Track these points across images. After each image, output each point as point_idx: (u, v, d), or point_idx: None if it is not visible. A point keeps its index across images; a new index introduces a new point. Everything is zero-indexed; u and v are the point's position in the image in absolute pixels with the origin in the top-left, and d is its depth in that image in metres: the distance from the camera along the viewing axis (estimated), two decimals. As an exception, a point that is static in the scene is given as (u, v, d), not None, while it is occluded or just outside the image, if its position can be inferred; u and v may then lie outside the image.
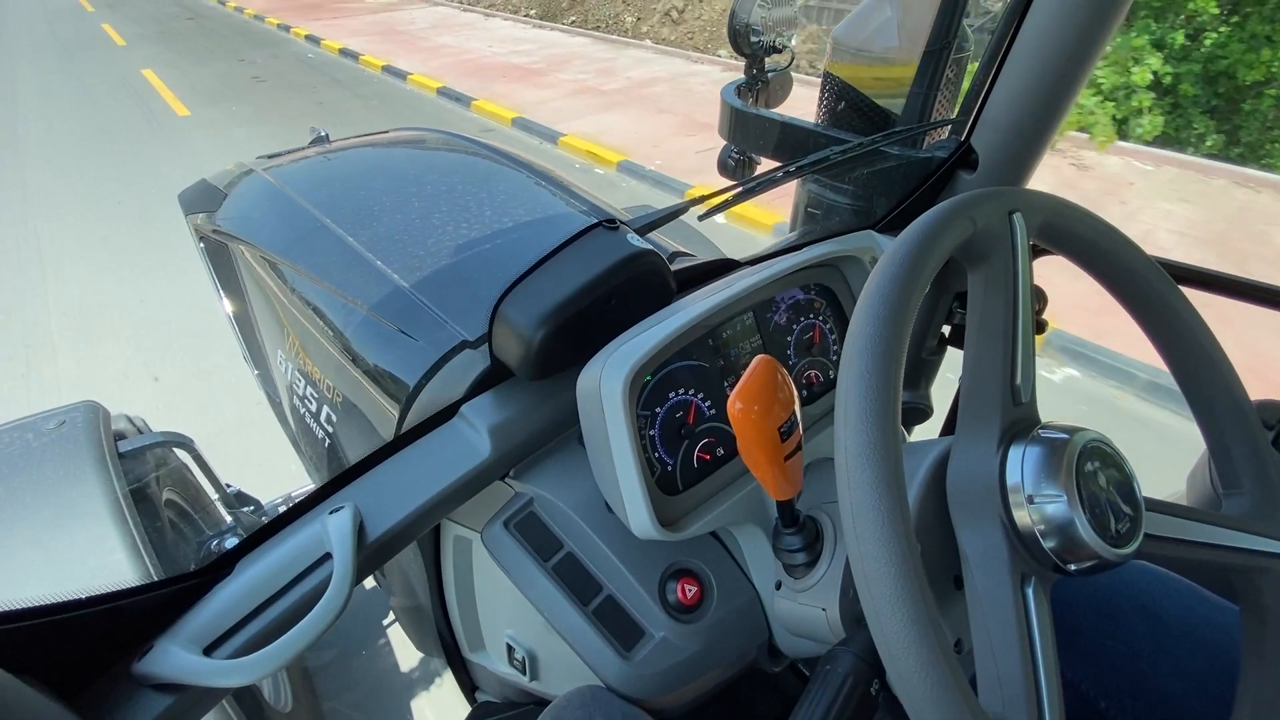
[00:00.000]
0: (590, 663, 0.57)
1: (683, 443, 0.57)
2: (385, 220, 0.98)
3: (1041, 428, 0.40)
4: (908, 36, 1.08)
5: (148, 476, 1.43)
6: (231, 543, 1.63)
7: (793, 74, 1.43)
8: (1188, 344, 0.47)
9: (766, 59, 1.31)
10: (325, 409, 0.91)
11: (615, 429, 0.50)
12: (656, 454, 0.56)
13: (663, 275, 0.64)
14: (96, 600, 0.44)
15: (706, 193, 0.79)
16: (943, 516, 0.42)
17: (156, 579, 1.07)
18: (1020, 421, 0.41)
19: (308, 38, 9.04)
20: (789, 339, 0.65)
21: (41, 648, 0.41)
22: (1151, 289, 0.47)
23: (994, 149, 0.86)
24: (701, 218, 0.76)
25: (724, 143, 1.39)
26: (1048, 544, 0.37)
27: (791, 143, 1.19)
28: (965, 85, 1.14)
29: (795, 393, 0.41)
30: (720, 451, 0.60)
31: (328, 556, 0.51)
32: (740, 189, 0.77)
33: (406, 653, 1.72)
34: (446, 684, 1.63)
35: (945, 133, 1.10)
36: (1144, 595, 0.63)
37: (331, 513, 0.53)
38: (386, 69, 7.41)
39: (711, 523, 0.54)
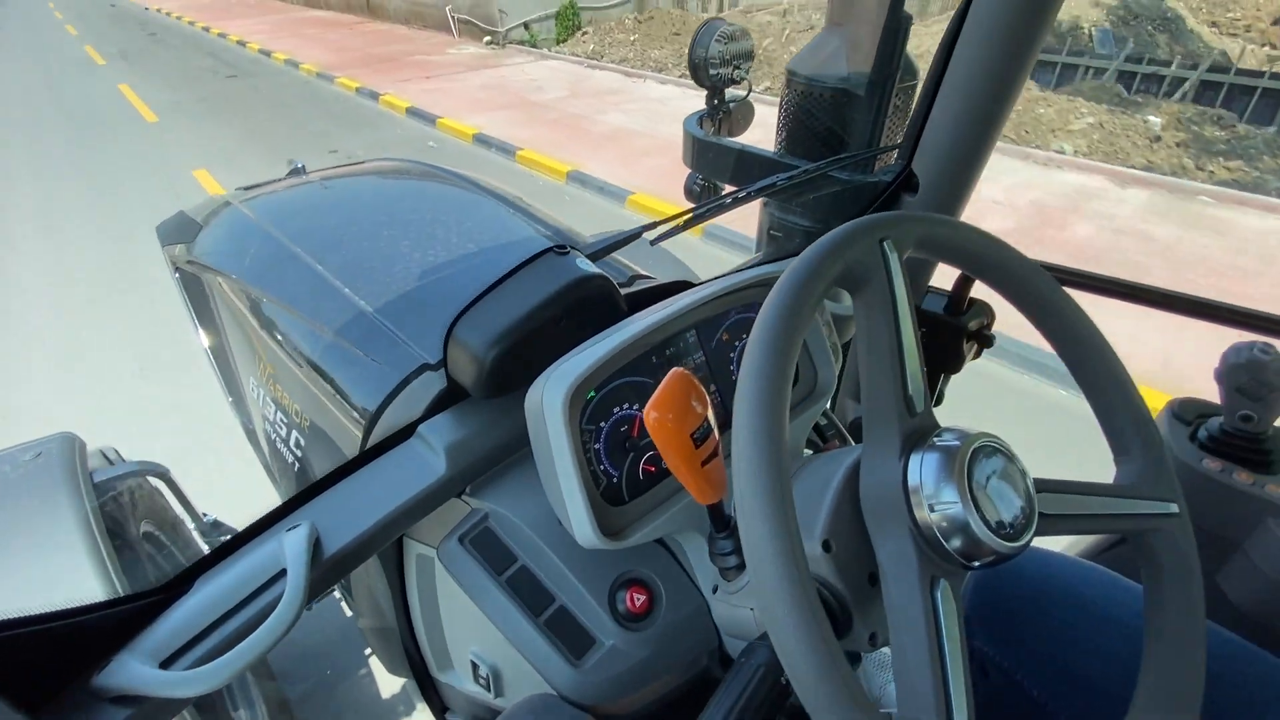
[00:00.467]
0: (542, 672, 0.59)
1: (627, 455, 0.60)
2: (353, 247, 1.01)
3: (938, 434, 0.43)
4: (855, 67, 1.14)
5: (123, 507, 1.43)
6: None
7: (753, 102, 1.49)
8: (1071, 331, 0.51)
9: (726, 90, 1.37)
10: (294, 433, 0.93)
11: (558, 442, 0.52)
12: (602, 466, 0.59)
13: (612, 297, 0.67)
14: (58, 615, 0.46)
15: (660, 218, 0.83)
16: (859, 522, 0.45)
17: None
18: (918, 430, 0.44)
19: (411, 112, 6.49)
20: (731, 355, 0.69)
21: (2, 662, 0.43)
22: (1029, 283, 0.51)
23: (932, 172, 0.91)
24: (653, 242, 0.80)
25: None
26: (951, 544, 0.40)
27: (749, 169, 1.24)
28: (905, 114, 1.20)
29: (708, 401, 0.44)
30: (663, 464, 0.62)
31: (283, 573, 0.53)
32: (691, 214, 0.81)
33: (386, 681, 1.71)
34: (421, 704, 1.63)
35: (890, 158, 1.16)
36: (1068, 583, 0.66)
37: (288, 530, 0.55)
38: (577, 177, 4.92)
39: (653, 531, 0.57)
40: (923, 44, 5.77)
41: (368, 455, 0.64)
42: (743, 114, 1.48)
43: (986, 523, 0.40)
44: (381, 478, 0.62)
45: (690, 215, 0.82)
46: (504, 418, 0.67)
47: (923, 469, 0.41)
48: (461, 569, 0.63)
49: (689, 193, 1.48)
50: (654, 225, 0.82)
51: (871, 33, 1.11)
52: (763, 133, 1.34)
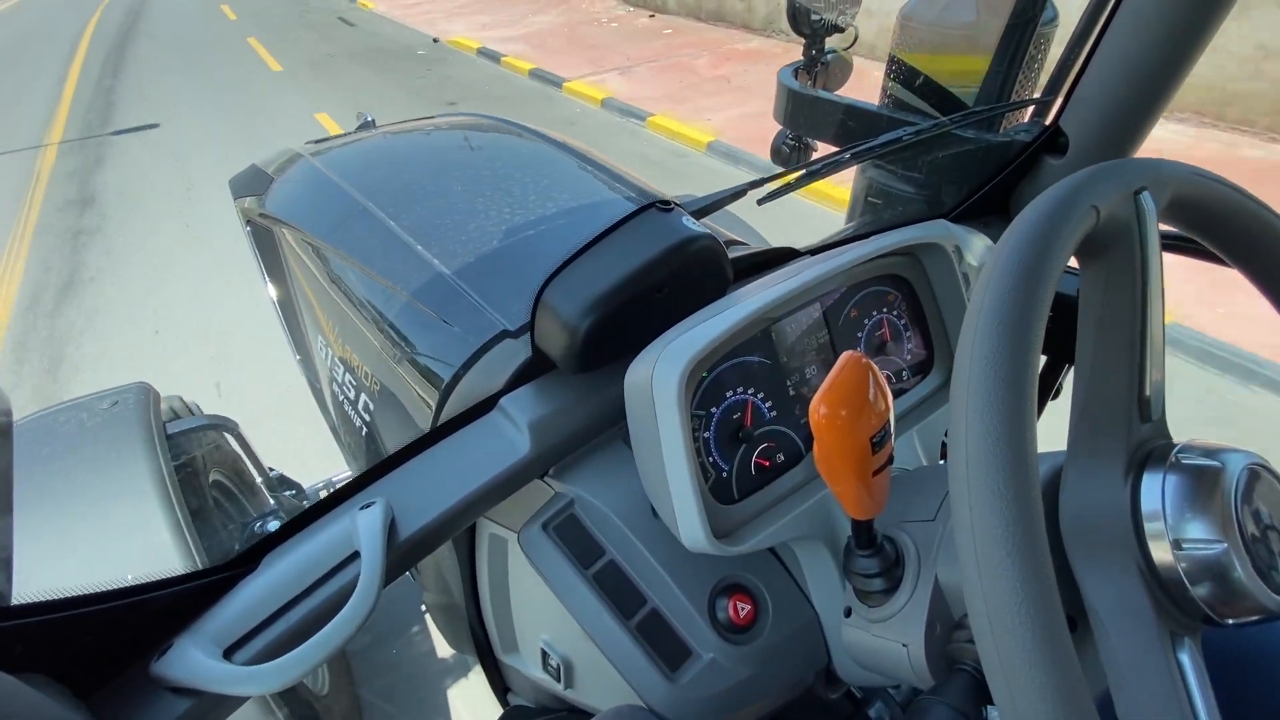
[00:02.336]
0: (631, 681, 0.53)
1: (739, 447, 0.52)
2: (428, 205, 0.95)
3: (1180, 450, 0.34)
4: (987, 10, 1.00)
5: (195, 457, 1.46)
6: (273, 526, 1.65)
7: (853, 56, 1.35)
8: None
9: (827, 39, 1.24)
10: (363, 396, 0.89)
11: (668, 430, 0.45)
12: (710, 458, 0.51)
13: (720, 262, 0.58)
14: (116, 595, 0.41)
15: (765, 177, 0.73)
16: (1052, 545, 0.35)
17: (197, 556, 1.08)
18: (1151, 441, 0.35)
19: (714, 148, 4.30)
20: (859, 335, 0.59)
21: (57, 644, 0.39)
22: None
23: (1087, 132, 0.78)
24: (761, 202, 0.70)
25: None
26: (1197, 591, 0.31)
27: (854, 127, 1.12)
28: (1046, 61, 1.05)
29: (890, 399, 0.35)
30: (780, 458, 0.54)
31: (356, 555, 0.48)
32: (804, 171, 0.71)
33: (441, 642, 1.71)
34: (480, 678, 1.62)
35: (1023, 115, 1.02)
36: None
37: (362, 508, 0.49)
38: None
39: (771, 537, 0.49)
40: None
41: (445, 428, 0.58)
42: (840, 68, 1.34)
43: (1259, 569, 0.30)
44: (460, 454, 0.56)
45: (802, 173, 0.72)
46: (593, 394, 0.60)
47: (1165, 494, 0.32)
48: (543, 557, 0.56)
49: (777, 152, 1.36)
50: (759, 183, 0.73)
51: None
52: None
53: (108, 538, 1.10)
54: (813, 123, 1.20)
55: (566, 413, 0.59)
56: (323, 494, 1.90)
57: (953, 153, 0.94)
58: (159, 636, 0.43)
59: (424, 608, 1.76)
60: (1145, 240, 0.35)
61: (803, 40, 1.25)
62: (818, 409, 0.33)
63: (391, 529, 0.49)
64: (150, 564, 1.05)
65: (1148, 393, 0.34)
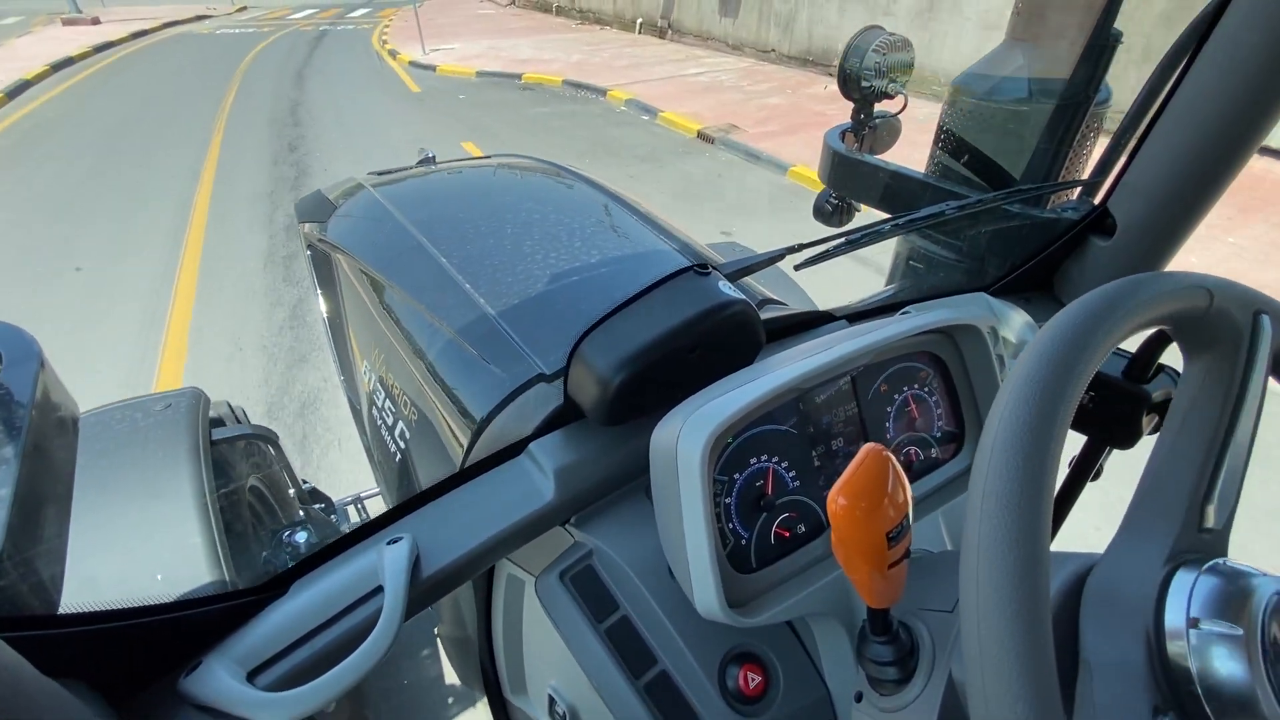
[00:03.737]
0: None
1: (760, 515, 0.52)
2: (478, 244, 0.99)
3: (1225, 561, 0.33)
4: (1040, 88, 1.01)
5: (234, 464, 1.51)
6: (300, 537, 1.69)
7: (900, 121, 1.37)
8: None
9: (876, 104, 1.26)
10: (400, 424, 0.92)
11: (689, 495, 0.45)
12: (730, 525, 0.51)
13: (753, 327, 0.59)
14: (155, 610, 0.43)
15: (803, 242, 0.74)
16: (1060, 616, 0.35)
17: (224, 563, 1.11)
18: (1199, 549, 0.34)
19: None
20: (888, 409, 0.59)
21: (98, 654, 0.41)
22: None
23: (1135, 217, 0.77)
24: (798, 267, 0.72)
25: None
26: (1200, 686, 0.30)
27: (899, 193, 1.13)
28: (1093, 143, 1.05)
29: (910, 493, 0.35)
30: (801, 529, 0.54)
31: (380, 589, 0.49)
32: (843, 240, 0.72)
33: (451, 671, 1.71)
34: (486, 713, 1.60)
35: (1071, 193, 1.01)
36: None
37: (389, 543, 0.51)
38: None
39: (786, 611, 0.49)
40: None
41: (474, 469, 0.60)
42: (889, 132, 1.36)
43: (1274, 686, 0.29)
44: (487, 495, 0.57)
45: (841, 240, 0.73)
46: (618, 446, 0.61)
47: (1194, 592, 0.32)
48: (557, 606, 0.57)
49: (819, 212, 1.38)
50: (797, 248, 0.74)
51: (1068, 50, 0.97)
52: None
53: (142, 537, 1.14)
54: (856, 186, 1.22)
55: (592, 463, 0.60)
56: (350, 509, 1.94)
57: (998, 227, 0.94)
58: (190, 652, 0.45)
59: (436, 633, 1.76)
60: (1255, 355, 0.35)
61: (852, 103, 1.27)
62: (836, 500, 0.33)
63: (416, 565, 0.50)
64: (179, 567, 1.09)
65: (1214, 500, 0.34)
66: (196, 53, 11.54)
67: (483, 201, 1.16)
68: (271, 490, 1.72)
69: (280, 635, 0.46)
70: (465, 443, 0.74)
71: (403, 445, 0.92)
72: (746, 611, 0.47)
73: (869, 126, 1.28)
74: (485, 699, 0.84)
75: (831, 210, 1.35)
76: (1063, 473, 1.01)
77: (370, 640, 0.45)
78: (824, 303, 0.91)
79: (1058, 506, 1.01)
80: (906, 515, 0.35)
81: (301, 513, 1.76)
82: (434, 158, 1.54)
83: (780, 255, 0.71)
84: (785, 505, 0.53)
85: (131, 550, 1.11)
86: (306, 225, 1.33)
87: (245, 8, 18.15)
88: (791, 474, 0.54)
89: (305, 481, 1.74)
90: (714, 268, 0.61)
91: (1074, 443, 0.97)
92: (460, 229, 1.04)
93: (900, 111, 1.25)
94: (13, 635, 0.35)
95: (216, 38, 13.21)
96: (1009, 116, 1.05)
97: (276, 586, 0.50)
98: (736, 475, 0.51)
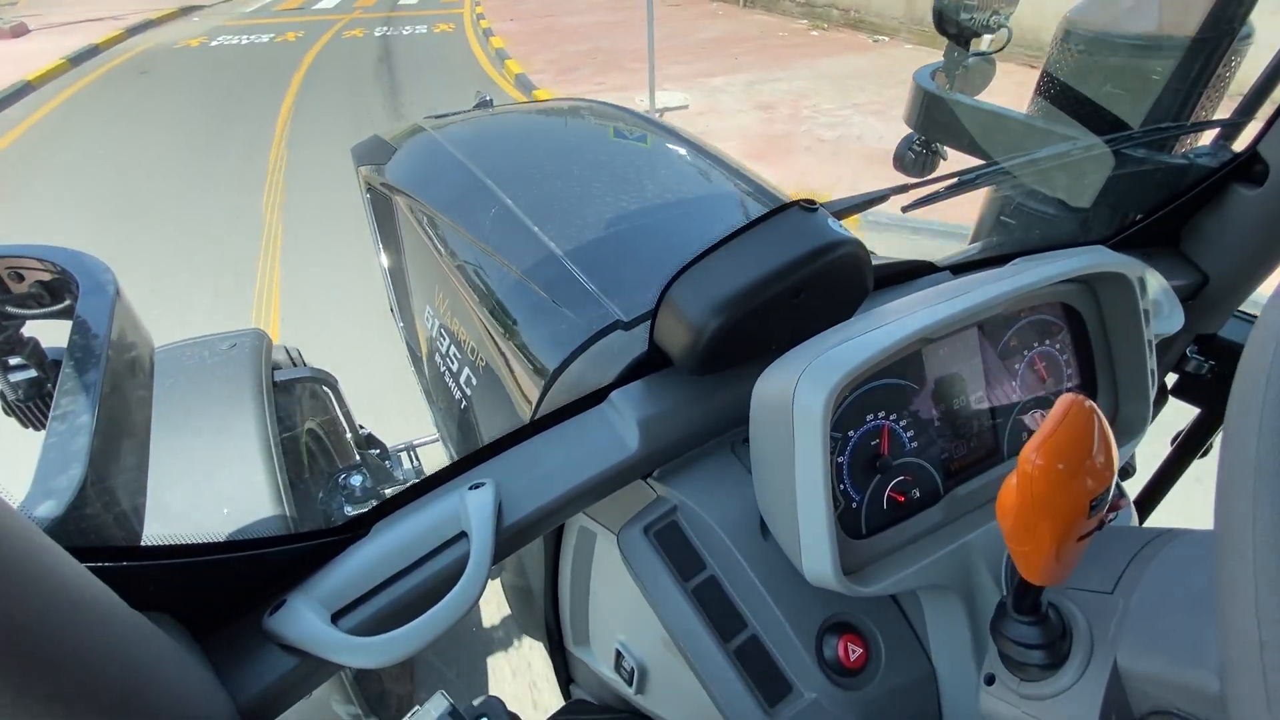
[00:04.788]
0: (724, 707, 0.50)
1: (874, 477, 0.48)
2: (545, 187, 0.95)
3: None
4: (1172, 20, 0.89)
5: (295, 404, 1.55)
6: (356, 480, 1.73)
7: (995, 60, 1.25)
8: None
9: (973, 41, 1.15)
10: (466, 370, 0.90)
11: (805, 452, 0.41)
12: (842, 486, 0.47)
13: (862, 270, 0.54)
14: (239, 545, 0.42)
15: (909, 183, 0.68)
16: None
17: (285, 499, 1.13)
18: None
19: None
20: (1016, 366, 0.54)
21: (183, 588, 0.40)
22: None
23: None
24: (906, 209, 0.65)
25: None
26: None
27: (999, 137, 1.03)
28: (1227, 84, 0.93)
29: (1116, 454, 0.30)
30: (916, 494, 0.50)
31: (462, 535, 0.47)
32: (955, 180, 0.65)
33: (501, 612, 1.74)
34: (541, 661, 1.63)
35: (1197, 138, 0.91)
36: None
37: (471, 488, 0.49)
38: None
39: (903, 582, 0.45)
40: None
41: (554, 416, 0.57)
42: (982, 72, 1.24)
43: None
44: (568, 444, 0.55)
45: (954, 181, 0.66)
46: (706, 397, 0.57)
47: None
48: (640, 561, 0.54)
49: (900, 160, 1.28)
50: (903, 189, 0.67)
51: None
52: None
53: (209, 471, 1.18)
54: (948, 128, 1.12)
55: (677, 414, 0.56)
56: (403, 456, 1.98)
57: (1119, 173, 0.85)
58: (273, 590, 0.44)
59: (500, 580, 1.79)
60: None
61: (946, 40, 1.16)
62: (1028, 459, 0.28)
63: (498, 513, 0.48)
64: (244, 501, 1.12)
65: None
66: (177, 108, 5.79)
67: (547, 144, 1.11)
68: (328, 433, 1.76)
69: (364, 578, 0.44)
70: (537, 390, 0.72)
71: (468, 392, 0.90)
72: (860, 579, 0.44)
73: (962, 65, 1.18)
74: (543, 649, 0.84)
75: (914, 158, 1.25)
76: (1167, 448, 0.94)
77: (458, 589, 0.43)
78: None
79: (1160, 483, 0.94)
80: (1112, 483, 0.30)
81: (358, 456, 1.79)
82: (491, 101, 1.49)
83: (885, 195, 0.64)
84: (901, 467, 0.48)
85: (200, 484, 1.15)
86: (364, 168, 1.31)
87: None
88: (909, 434, 0.49)
89: (362, 427, 1.77)
90: (820, 205, 0.56)
91: (1181, 415, 0.88)
92: (526, 171, 1.00)
93: (1001, 49, 1.13)
94: (101, 565, 0.33)
95: (213, 59, 7.54)
96: (1132, 52, 0.94)
97: (358, 527, 0.48)
98: (851, 433, 0.47)
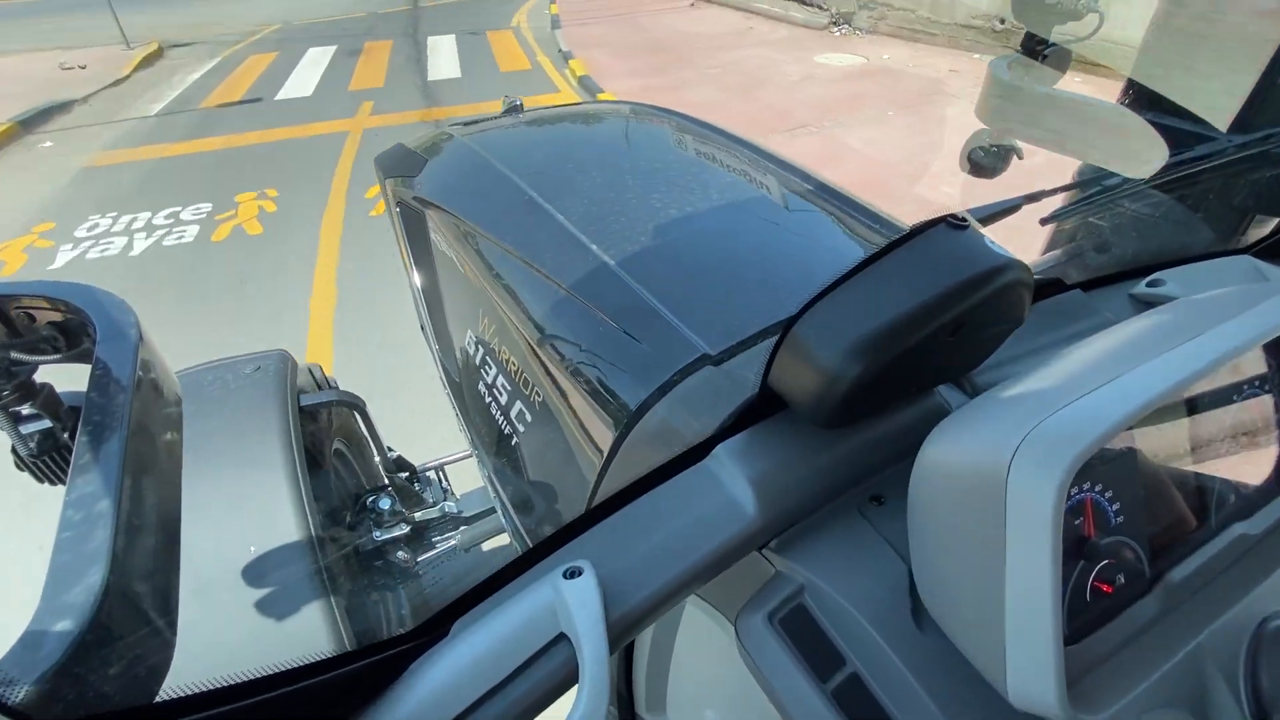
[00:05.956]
0: None
1: (1078, 564, 0.39)
2: (598, 198, 0.86)
3: None
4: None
5: (321, 427, 1.48)
6: (385, 504, 1.66)
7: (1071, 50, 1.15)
8: None
9: (1056, 28, 1.05)
10: (518, 405, 0.81)
11: (1029, 551, 0.32)
12: None
13: (1024, 301, 0.45)
14: (296, 675, 0.34)
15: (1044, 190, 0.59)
16: None
17: (313, 530, 1.06)
18: None
19: None
20: (1225, 419, 0.44)
21: None
22: None
23: None
24: (1044, 221, 0.56)
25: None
26: None
27: (1090, 130, 0.93)
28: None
29: None
30: (1120, 580, 0.40)
31: (561, 636, 0.39)
32: (1098, 189, 0.56)
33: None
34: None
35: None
36: None
37: (567, 576, 0.40)
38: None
39: (1136, 703, 0.36)
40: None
41: (653, 477, 0.48)
42: (1059, 61, 1.15)
43: None
44: (674, 511, 0.46)
45: (1097, 190, 0.57)
46: (829, 447, 0.49)
47: None
48: (766, 655, 0.46)
49: (973, 161, 1.19)
50: (1036, 197, 0.58)
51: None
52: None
53: (234, 506, 1.12)
54: (1032, 124, 1.02)
55: (796, 471, 0.48)
56: (430, 474, 1.90)
57: (1253, 174, 0.75)
58: (339, 715, 0.36)
59: None
60: None
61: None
62: None
63: (604, 607, 0.39)
64: (268, 535, 1.06)
65: None
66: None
67: (595, 150, 1.02)
68: (356, 455, 1.69)
69: (452, 697, 0.36)
70: (608, 433, 0.63)
71: (520, 428, 0.82)
72: (1082, 702, 0.34)
73: (1042, 56, 1.08)
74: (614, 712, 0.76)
75: (985, 156, 1.15)
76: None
77: (580, 715, 0.34)
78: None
79: None
80: None
81: (386, 479, 1.72)
82: (521, 105, 1.40)
83: (1018, 204, 0.55)
84: (1108, 549, 0.39)
85: (225, 520, 1.08)
86: (391, 181, 1.23)
87: (161, 51, 7.44)
88: (1115, 506, 0.40)
89: (391, 449, 1.70)
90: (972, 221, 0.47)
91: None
92: (575, 182, 0.92)
93: (1091, 35, 1.03)
94: None
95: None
96: (1248, 34, 0.84)
97: (434, 627, 0.40)
98: None
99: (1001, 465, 0.33)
